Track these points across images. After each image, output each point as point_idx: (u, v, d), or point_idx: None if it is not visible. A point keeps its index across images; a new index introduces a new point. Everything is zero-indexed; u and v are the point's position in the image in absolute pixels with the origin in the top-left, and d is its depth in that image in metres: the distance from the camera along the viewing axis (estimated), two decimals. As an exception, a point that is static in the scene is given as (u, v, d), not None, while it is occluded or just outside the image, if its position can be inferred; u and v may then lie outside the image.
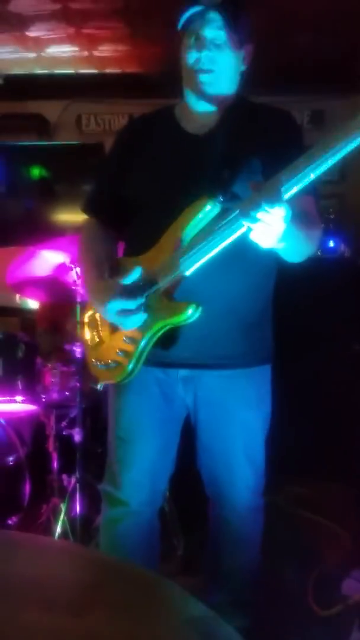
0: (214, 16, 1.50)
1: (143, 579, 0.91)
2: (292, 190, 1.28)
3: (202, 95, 1.58)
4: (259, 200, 1.24)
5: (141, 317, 1.50)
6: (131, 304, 1.49)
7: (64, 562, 0.93)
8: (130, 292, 1.50)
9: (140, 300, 1.49)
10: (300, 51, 3.52)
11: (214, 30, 1.51)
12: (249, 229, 1.31)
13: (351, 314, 3.23)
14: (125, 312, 1.50)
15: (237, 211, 1.32)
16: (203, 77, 1.55)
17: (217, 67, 1.54)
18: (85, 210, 1.77)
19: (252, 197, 1.27)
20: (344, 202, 4.00)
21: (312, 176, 1.27)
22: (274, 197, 1.24)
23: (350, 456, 2.99)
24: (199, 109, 1.61)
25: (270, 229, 1.28)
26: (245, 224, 1.30)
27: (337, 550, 2.55)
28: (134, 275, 1.50)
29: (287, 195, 1.27)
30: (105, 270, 1.61)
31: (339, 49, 3.47)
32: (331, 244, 3.59)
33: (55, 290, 2.64)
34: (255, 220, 1.26)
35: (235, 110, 1.60)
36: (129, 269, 1.51)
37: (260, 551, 1.74)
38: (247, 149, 1.53)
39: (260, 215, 1.25)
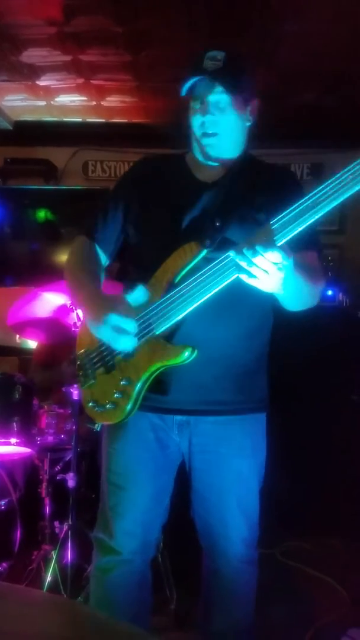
0: (217, 82, 1.53)
1: (132, 637, 0.88)
2: (286, 237, 1.32)
3: (208, 158, 1.63)
4: (252, 244, 1.29)
5: (133, 340, 1.49)
6: (128, 325, 1.47)
7: (52, 618, 0.90)
8: (128, 311, 1.49)
9: (136, 323, 1.49)
10: (301, 106, 3.63)
11: (217, 94, 1.55)
12: (242, 272, 1.35)
13: (349, 363, 3.21)
14: (120, 331, 1.48)
15: (230, 255, 1.36)
16: (207, 141, 1.59)
17: (221, 130, 1.58)
18: (85, 233, 1.75)
19: (246, 241, 1.32)
20: (343, 252, 4.05)
21: (305, 225, 1.32)
22: (267, 242, 1.29)
23: (350, 510, 2.93)
24: (207, 164, 1.65)
25: (266, 274, 1.32)
26: (239, 262, 1.33)
27: (334, 607, 2.47)
28: (138, 292, 1.50)
29: (281, 243, 1.32)
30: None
31: (340, 104, 3.59)
32: (329, 292, 3.62)
33: (55, 331, 2.64)
34: (249, 261, 1.31)
35: (240, 163, 1.64)
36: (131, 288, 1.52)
37: (255, 605, 1.69)
38: (245, 200, 1.57)
39: (255, 259, 1.30)
